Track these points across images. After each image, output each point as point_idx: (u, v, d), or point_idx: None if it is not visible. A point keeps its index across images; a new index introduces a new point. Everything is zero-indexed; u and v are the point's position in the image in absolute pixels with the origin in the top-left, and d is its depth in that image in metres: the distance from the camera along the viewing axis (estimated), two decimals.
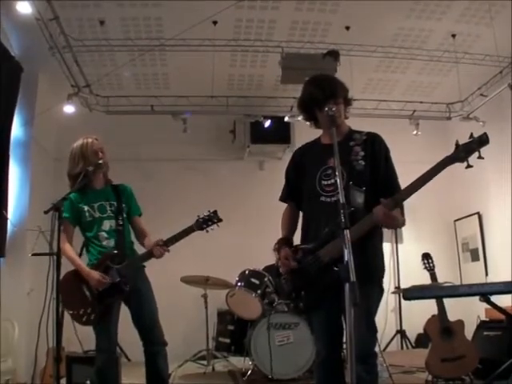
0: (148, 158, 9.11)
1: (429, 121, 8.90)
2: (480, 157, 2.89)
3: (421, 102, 8.89)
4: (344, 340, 3.39)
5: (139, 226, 4.58)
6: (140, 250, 4.49)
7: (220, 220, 4.34)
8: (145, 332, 4.31)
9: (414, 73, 8.52)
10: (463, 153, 2.90)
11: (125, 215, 4.46)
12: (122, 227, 4.39)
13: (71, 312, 4.26)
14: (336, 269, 3.07)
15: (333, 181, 3.37)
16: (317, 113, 3.51)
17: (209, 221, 4.30)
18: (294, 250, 3.48)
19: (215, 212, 4.35)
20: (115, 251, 4.29)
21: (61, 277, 3.90)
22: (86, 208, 4.35)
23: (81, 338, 5.20)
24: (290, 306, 6.18)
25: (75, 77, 7.44)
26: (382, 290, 3.41)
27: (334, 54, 7.11)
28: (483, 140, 2.88)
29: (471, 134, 2.91)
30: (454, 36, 7.37)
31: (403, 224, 3.31)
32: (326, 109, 3.29)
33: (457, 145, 2.93)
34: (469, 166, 2.92)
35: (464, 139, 2.97)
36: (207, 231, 4.32)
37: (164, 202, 8.67)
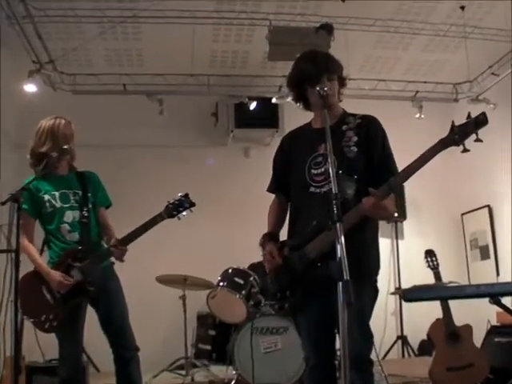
0: (120, 143, 9.03)
1: (433, 103, 8.92)
2: (478, 139, 2.87)
3: (424, 82, 8.91)
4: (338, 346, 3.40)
5: (104, 219, 4.54)
6: None
7: (193, 204, 4.24)
8: (115, 336, 4.28)
9: (417, 50, 8.51)
10: (458, 135, 2.88)
11: (90, 206, 4.41)
12: (88, 219, 4.34)
13: (32, 320, 4.22)
14: (319, 264, 3.16)
15: (323, 169, 3.38)
16: (308, 91, 3.49)
17: (179, 206, 4.20)
18: (280, 246, 3.50)
19: (187, 195, 4.24)
20: (79, 247, 4.24)
21: (20, 276, 3.88)
22: (46, 197, 4.29)
23: (43, 345, 5.18)
24: (274, 307, 6.19)
25: (37, 51, 7.40)
26: (375, 290, 3.42)
27: (327, 28, 7.10)
28: (480, 120, 2.85)
29: (469, 114, 2.90)
30: (462, 8, 7.34)
31: (392, 215, 3.33)
32: (318, 88, 3.27)
33: (452, 126, 2.92)
34: (465, 150, 2.91)
35: None
36: (179, 218, 4.23)
37: (138, 193, 8.62)
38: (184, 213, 4.23)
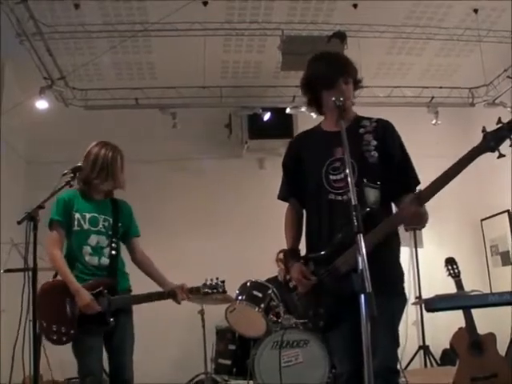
0: (133, 157, 8.79)
1: (449, 108, 8.89)
2: None
3: (440, 88, 8.87)
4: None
5: (139, 248, 4.67)
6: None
7: (224, 292, 4.69)
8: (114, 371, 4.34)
9: (431, 54, 8.51)
10: (493, 142, 2.85)
11: (119, 236, 4.49)
12: (116, 251, 4.42)
13: (44, 324, 4.18)
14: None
15: (342, 175, 3.29)
16: (323, 94, 3.46)
17: (214, 288, 4.63)
18: (303, 262, 3.41)
19: (223, 282, 4.66)
20: (113, 281, 4.32)
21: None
22: (76, 215, 4.33)
23: (61, 364, 5.19)
24: (307, 325, 6.15)
25: (48, 68, 7.42)
26: (405, 298, 3.40)
27: (340, 36, 7.10)
28: None
29: (499, 119, 2.87)
30: (476, 11, 7.35)
31: (427, 221, 3.19)
32: (334, 98, 3.22)
33: (484, 132, 2.90)
34: (501, 156, 2.88)
35: (490, 128, 2.95)
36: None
37: (151, 207, 8.62)
38: (214, 296, 4.90)
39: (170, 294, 4.46)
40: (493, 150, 2.86)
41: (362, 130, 3.42)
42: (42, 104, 7.63)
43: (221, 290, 4.62)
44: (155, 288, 4.57)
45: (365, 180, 3.20)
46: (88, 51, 7.77)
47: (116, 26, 7.18)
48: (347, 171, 2.83)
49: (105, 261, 4.34)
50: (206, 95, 8.33)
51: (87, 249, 4.29)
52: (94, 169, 4.37)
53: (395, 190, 3.23)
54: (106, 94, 8.33)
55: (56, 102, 7.97)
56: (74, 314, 4.18)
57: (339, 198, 3.32)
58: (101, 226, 4.38)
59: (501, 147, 2.86)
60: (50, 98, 7.75)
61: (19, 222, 3.89)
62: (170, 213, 8.75)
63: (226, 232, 8.67)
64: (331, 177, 3.37)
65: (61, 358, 4.75)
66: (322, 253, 3.33)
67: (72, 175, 4.28)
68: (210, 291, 4.60)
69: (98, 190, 4.44)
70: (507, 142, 2.87)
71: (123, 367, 4.30)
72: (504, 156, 2.87)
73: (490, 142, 2.85)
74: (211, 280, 4.63)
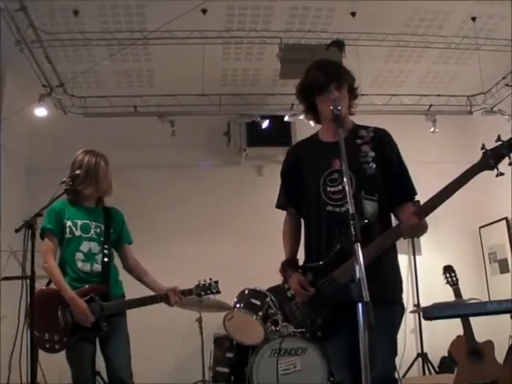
0: (131, 165, 9.01)
1: (447, 116, 8.88)
2: None
3: (438, 95, 8.88)
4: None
5: (131, 254, 4.69)
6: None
7: (219, 292, 4.64)
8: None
9: (429, 62, 8.50)
10: (492, 160, 2.85)
11: (111, 242, 4.50)
12: (109, 258, 4.43)
13: (36, 332, 4.19)
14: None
15: (340, 187, 3.28)
16: (316, 99, 3.43)
17: (208, 289, 4.58)
18: (302, 272, 3.41)
19: (217, 282, 4.62)
20: (103, 285, 4.32)
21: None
22: (68, 223, 4.36)
23: (60, 369, 5.17)
24: (305, 335, 6.13)
25: (47, 75, 7.42)
26: (403, 308, 3.39)
27: (338, 44, 7.11)
28: None
29: (498, 136, 2.86)
30: (473, 19, 7.34)
31: (426, 231, 3.24)
32: (331, 107, 3.17)
33: (484, 150, 2.89)
34: (500, 174, 2.88)
35: (488, 136, 2.95)
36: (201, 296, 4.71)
37: (150, 214, 8.62)
38: (208, 296, 4.81)
39: (163, 297, 4.45)
40: (492, 168, 2.86)
41: (359, 141, 3.40)
42: (41, 111, 7.63)
43: (214, 290, 4.59)
44: (148, 293, 4.56)
45: (363, 192, 3.20)
46: (87, 59, 7.77)
47: (115, 34, 7.17)
48: (345, 183, 2.81)
49: (97, 267, 4.37)
50: (205, 103, 8.33)
51: (79, 255, 4.32)
52: (82, 176, 4.41)
53: (392, 201, 3.22)
54: (105, 102, 8.34)
55: (55, 109, 7.97)
56: (66, 322, 4.22)
57: (337, 209, 3.30)
58: (92, 232, 4.41)
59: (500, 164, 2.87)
60: (50, 105, 7.76)
61: (17, 230, 3.88)
62: (168, 220, 8.73)
63: (224, 239, 8.65)
64: (329, 188, 3.35)
65: (59, 364, 4.72)
66: (321, 263, 3.32)
67: (71, 183, 4.29)
68: (203, 293, 4.57)
69: (85, 197, 4.47)
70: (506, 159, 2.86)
71: (121, 369, 4.29)
72: (503, 174, 2.87)
73: (490, 159, 2.86)
74: (204, 281, 4.59)
